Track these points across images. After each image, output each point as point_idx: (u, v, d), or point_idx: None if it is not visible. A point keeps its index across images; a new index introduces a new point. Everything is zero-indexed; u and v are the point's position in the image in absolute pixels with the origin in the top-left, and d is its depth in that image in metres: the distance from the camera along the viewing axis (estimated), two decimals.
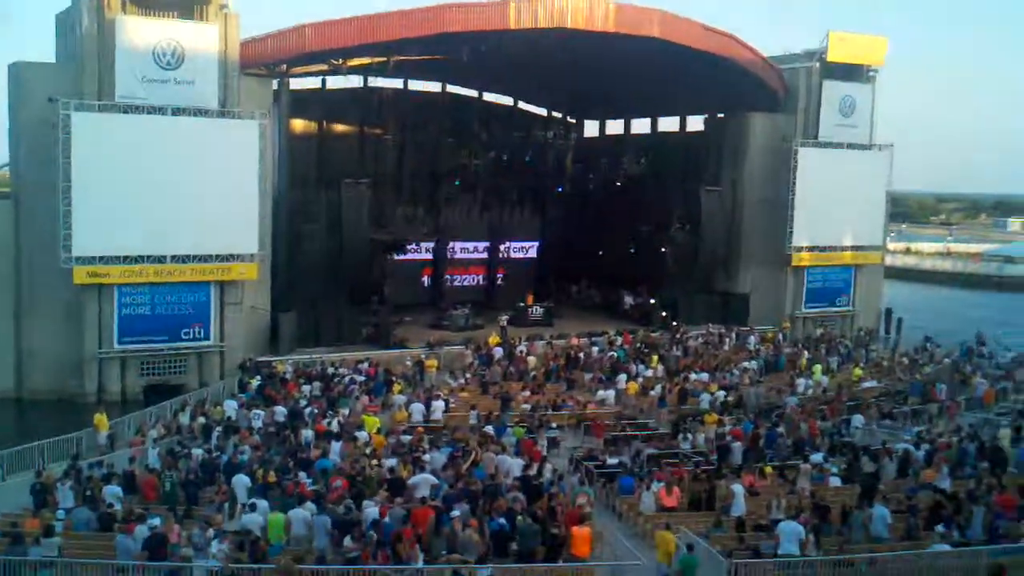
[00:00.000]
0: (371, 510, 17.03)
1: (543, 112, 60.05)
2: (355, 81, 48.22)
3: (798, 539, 15.82)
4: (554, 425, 26.84)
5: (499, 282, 53.14)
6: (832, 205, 46.72)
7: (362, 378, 33.24)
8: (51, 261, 33.53)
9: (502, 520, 16.61)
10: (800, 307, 48.74)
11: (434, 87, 54.16)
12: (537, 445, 23.92)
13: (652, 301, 47.88)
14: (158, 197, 34.48)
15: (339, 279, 41.90)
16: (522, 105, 59.16)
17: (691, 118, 54.61)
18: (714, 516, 18.44)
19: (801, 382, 33.52)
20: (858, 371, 36.48)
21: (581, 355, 38.09)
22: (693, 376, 33.89)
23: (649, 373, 34.90)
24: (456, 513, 16.52)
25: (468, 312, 45.60)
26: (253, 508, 17.12)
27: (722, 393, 31.17)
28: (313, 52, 38.53)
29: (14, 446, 24.38)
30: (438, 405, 28.47)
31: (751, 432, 25.35)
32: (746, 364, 36.92)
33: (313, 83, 47.59)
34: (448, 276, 51.87)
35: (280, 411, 27.47)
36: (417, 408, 28.12)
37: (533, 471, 20.47)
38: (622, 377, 33.39)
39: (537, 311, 47.34)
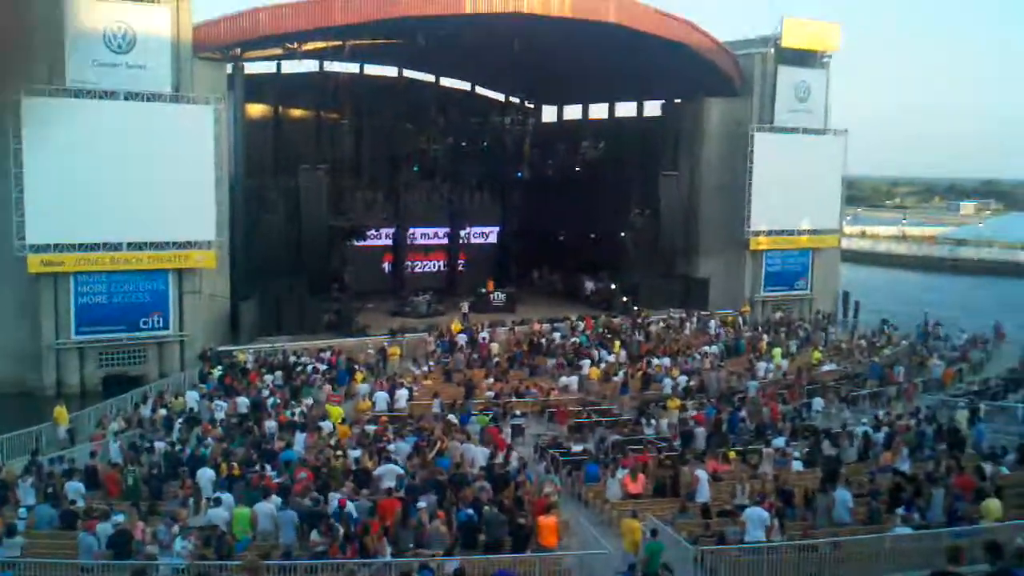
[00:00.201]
0: (336, 502, 16.87)
1: (501, 97, 59.93)
2: (311, 65, 47.76)
3: (764, 525, 15.94)
4: (518, 413, 26.85)
5: (460, 268, 52.86)
6: (789, 189, 47.03)
7: (324, 367, 32.99)
8: (5, 249, 32.87)
9: (470, 511, 16.49)
10: (759, 291, 49.19)
11: (391, 72, 53.73)
12: (502, 433, 23.93)
13: (613, 286, 48.16)
14: (112, 183, 34.03)
15: (299, 266, 41.62)
16: (479, 90, 58.97)
17: (648, 103, 54.79)
18: (679, 502, 18.48)
19: (761, 365, 33.94)
20: (817, 354, 36.93)
21: (543, 341, 38.17)
22: (655, 361, 34.08)
23: (612, 358, 35.01)
24: (423, 504, 16.40)
25: (430, 298, 45.50)
26: (218, 502, 16.84)
27: (684, 378, 31.48)
28: (267, 36, 38.12)
29: None
30: (402, 394, 28.37)
31: (714, 417, 25.59)
32: (707, 348, 37.21)
33: (268, 67, 47.00)
34: (409, 262, 51.49)
35: (243, 402, 27.24)
36: (381, 397, 27.98)
37: (499, 460, 20.44)
38: (585, 362, 33.46)
39: (499, 297, 47.29)
